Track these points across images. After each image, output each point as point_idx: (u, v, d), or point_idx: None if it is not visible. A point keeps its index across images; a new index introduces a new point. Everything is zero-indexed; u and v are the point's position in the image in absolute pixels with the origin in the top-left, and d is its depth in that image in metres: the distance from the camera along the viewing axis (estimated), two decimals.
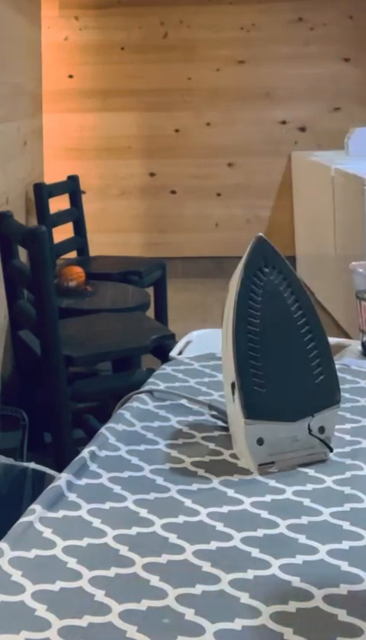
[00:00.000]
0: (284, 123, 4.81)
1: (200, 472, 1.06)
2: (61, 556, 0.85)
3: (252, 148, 4.81)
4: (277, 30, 4.74)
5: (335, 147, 4.55)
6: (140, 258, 4.18)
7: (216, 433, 1.17)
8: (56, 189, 3.84)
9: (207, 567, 0.82)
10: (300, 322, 1.07)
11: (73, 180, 4.03)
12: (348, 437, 1.16)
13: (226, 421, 1.18)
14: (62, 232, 3.83)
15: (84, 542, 0.88)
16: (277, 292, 1.07)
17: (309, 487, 1.01)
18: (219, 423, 1.20)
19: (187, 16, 4.74)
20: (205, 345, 1.56)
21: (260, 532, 0.89)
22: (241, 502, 0.97)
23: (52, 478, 1.08)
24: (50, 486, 1.00)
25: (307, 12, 4.72)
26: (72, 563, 0.84)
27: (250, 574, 0.81)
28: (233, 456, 1.10)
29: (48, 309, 2.39)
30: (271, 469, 1.06)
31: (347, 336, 3.13)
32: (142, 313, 3.07)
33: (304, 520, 0.92)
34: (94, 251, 4.10)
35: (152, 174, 4.85)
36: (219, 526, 0.90)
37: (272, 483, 1.02)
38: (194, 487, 1.01)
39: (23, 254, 2.75)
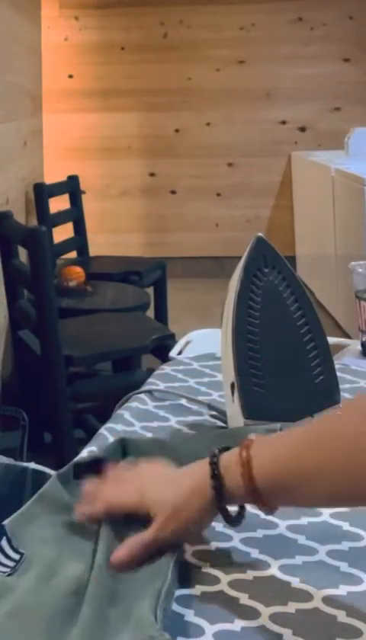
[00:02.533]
0: (284, 123, 4.81)
1: None
2: None
3: (252, 148, 4.81)
4: (277, 30, 4.74)
5: (335, 147, 4.55)
6: (140, 258, 4.18)
7: None
8: (56, 189, 3.84)
9: (206, 567, 0.82)
10: (300, 322, 1.07)
11: (73, 180, 4.02)
12: None
13: (225, 421, 1.18)
14: (62, 232, 3.83)
15: None
16: (276, 292, 1.07)
17: None
18: (219, 423, 1.20)
19: (187, 16, 4.74)
20: (205, 345, 1.56)
21: (259, 533, 0.89)
22: None
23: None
24: None
25: (307, 12, 4.72)
26: None
27: (249, 574, 0.81)
28: None
29: (48, 309, 2.39)
30: None
31: (346, 336, 3.13)
32: (142, 313, 3.06)
33: (304, 520, 0.92)
34: (94, 251, 4.10)
35: (152, 174, 4.85)
36: (219, 527, 0.90)
37: None
38: None
39: (23, 254, 2.75)
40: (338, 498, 0.73)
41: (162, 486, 0.81)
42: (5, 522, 0.85)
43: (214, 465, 0.78)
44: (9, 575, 0.78)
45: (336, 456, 0.70)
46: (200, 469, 0.79)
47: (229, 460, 0.77)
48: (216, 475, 0.77)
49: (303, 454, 0.73)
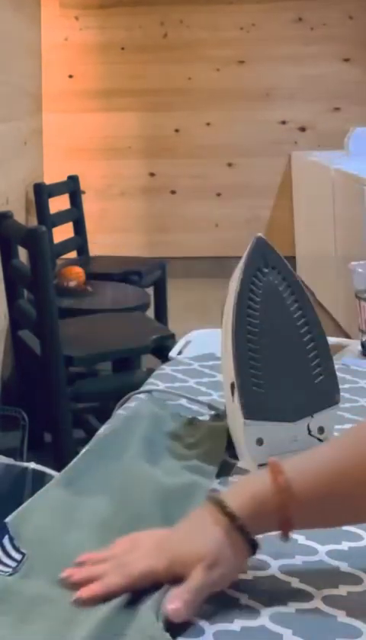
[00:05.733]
0: (284, 123, 4.80)
1: None
2: None
3: (252, 148, 4.81)
4: (277, 30, 4.74)
5: (335, 147, 4.55)
6: (140, 258, 4.18)
7: None
8: (56, 189, 3.84)
9: None
10: (300, 322, 1.07)
11: (73, 180, 4.02)
12: None
13: (225, 421, 1.18)
14: (62, 232, 3.83)
15: None
16: (276, 292, 1.07)
17: None
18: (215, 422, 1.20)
19: (187, 16, 4.74)
20: (205, 345, 1.56)
21: None
22: None
23: (52, 478, 1.07)
24: None
25: (307, 12, 4.72)
26: None
27: (249, 574, 0.81)
28: (233, 456, 1.09)
29: (48, 309, 2.39)
30: None
31: (347, 336, 3.12)
32: (142, 313, 3.06)
33: None
34: (94, 251, 4.10)
35: (152, 174, 4.85)
36: None
37: None
38: None
39: (23, 254, 2.75)
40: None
41: (186, 540, 0.75)
42: (8, 519, 0.86)
43: (223, 507, 0.75)
44: (10, 575, 0.78)
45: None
46: (211, 513, 0.75)
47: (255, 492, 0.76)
48: (235, 519, 0.74)
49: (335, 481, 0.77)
